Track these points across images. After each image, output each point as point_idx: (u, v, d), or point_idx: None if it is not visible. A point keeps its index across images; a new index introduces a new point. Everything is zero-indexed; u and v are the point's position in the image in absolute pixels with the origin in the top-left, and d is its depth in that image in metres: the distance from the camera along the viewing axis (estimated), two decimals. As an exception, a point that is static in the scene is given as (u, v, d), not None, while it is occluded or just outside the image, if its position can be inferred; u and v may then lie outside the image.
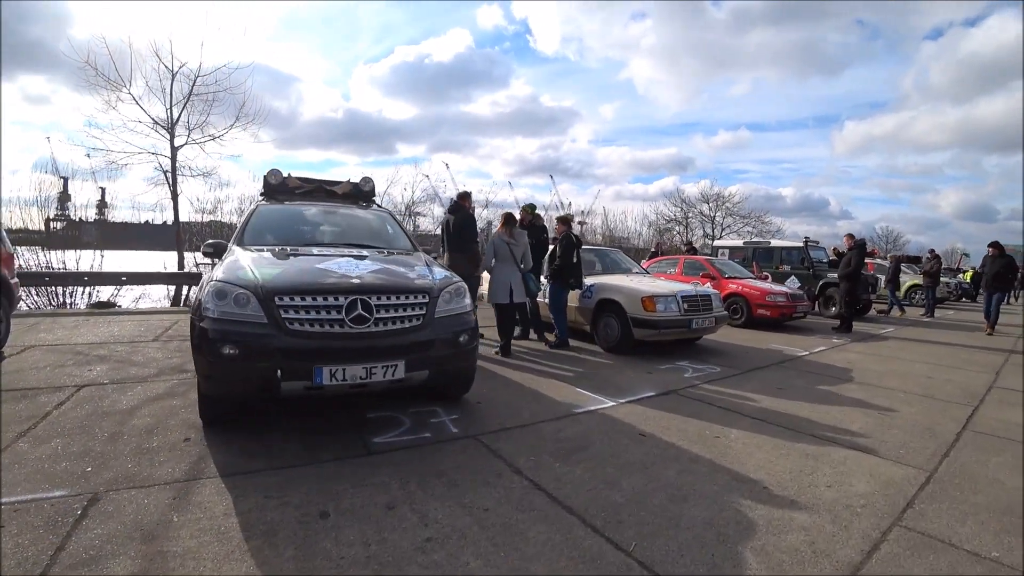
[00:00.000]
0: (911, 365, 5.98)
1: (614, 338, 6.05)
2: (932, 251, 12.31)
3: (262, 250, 3.54)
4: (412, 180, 20.31)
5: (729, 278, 9.23)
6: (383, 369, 2.79)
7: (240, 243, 3.77)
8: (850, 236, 8.85)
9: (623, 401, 4.09)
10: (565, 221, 6.39)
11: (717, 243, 14.22)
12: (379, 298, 2.89)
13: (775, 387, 4.68)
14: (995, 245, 9.03)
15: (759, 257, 12.30)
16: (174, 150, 13.06)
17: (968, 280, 22.38)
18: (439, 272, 3.51)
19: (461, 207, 6.03)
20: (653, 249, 12.96)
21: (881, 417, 3.86)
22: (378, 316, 2.85)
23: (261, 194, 4.91)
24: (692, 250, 12.69)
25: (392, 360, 2.82)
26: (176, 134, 12.93)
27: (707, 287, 6.92)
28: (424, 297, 3.06)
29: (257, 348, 2.65)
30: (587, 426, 3.46)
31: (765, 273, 11.53)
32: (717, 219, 29.61)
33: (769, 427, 3.56)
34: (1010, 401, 4.52)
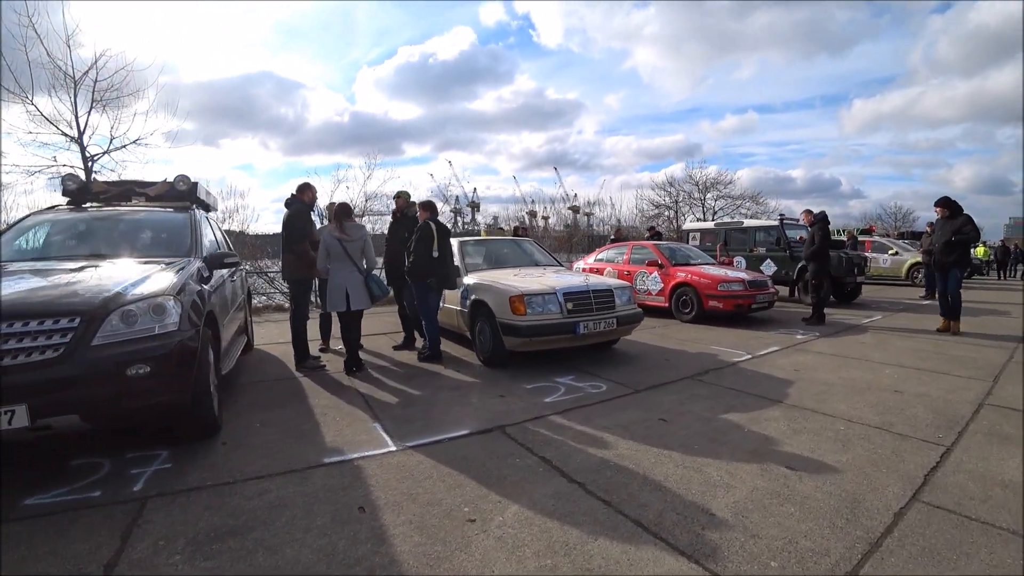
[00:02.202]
0: (879, 371, 4.47)
1: (488, 348, 4.70)
2: (931, 225, 10.58)
3: None
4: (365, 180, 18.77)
5: (678, 265, 7.74)
6: None
7: None
8: (808, 212, 7.24)
9: (410, 445, 2.84)
10: (427, 207, 5.02)
11: (686, 226, 12.65)
12: None
13: (658, 417, 3.26)
14: (944, 203, 6.23)
15: (732, 239, 10.78)
16: (86, 161, 11.92)
17: (981, 256, 20.61)
18: (153, 284, 2.71)
19: (297, 200, 4.88)
20: (613, 236, 11.49)
21: (783, 478, 2.42)
22: None
23: (68, 202, 4.45)
24: (656, 235, 11.16)
25: (5, 405, 2.13)
26: (88, 144, 11.77)
27: (605, 279, 5.54)
28: (72, 320, 2.33)
29: None
30: (305, 488, 2.32)
31: (734, 256, 10.03)
32: (708, 202, 27.66)
33: (580, 500, 2.16)
34: (1005, 433, 3.00)
